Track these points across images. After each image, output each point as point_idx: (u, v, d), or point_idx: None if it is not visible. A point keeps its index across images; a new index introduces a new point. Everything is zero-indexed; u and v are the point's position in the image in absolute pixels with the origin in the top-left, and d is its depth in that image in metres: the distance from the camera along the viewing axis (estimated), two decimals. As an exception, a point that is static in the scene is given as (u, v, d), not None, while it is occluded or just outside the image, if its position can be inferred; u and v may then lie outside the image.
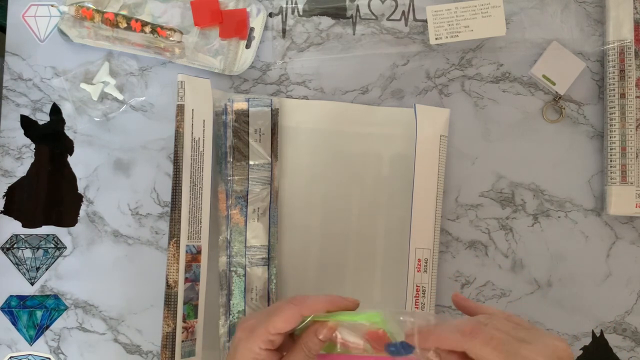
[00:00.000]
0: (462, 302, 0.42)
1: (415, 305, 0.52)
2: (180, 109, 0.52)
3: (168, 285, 0.51)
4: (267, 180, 0.54)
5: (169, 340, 0.51)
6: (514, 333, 0.35)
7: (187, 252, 0.51)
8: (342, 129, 0.56)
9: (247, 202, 0.53)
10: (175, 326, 0.51)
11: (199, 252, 0.52)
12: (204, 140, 0.53)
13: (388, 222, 0.55)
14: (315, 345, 0.38)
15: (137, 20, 0.55)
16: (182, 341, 0.50)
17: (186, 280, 0.51)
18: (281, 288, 0.55)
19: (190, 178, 0.52)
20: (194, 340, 0.52)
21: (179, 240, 0.51)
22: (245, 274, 0.54)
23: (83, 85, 0.56)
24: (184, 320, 0.51)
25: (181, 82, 0.52)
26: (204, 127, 0.53)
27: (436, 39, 0.54)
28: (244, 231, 0.53)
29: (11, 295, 0.56)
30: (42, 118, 0.57)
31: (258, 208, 0.54)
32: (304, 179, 0.56)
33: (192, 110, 0.52)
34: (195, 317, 0.52)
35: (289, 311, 0.38)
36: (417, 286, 0.53)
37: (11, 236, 0.56)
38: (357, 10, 0.57)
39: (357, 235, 0.55)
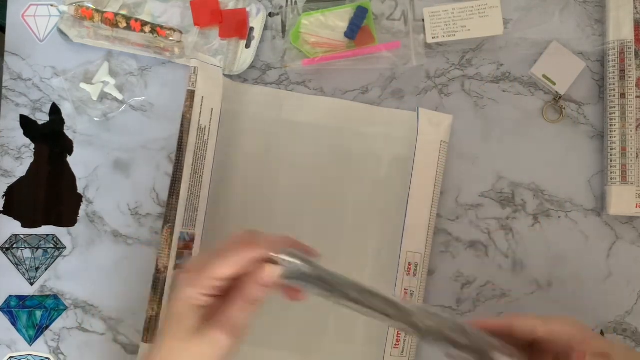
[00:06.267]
0: (486, 323, 0.38)
1: None
2: (191, 95, 0.52)
3: (157, 270, 0.51)
4: None
5: (151, 324, 0.51)
6: None
7: (180, 239, 0.51)
8: (342, 127, 0.56)
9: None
10: (160, 311, 0.51)
11: (192, 239, 0.52)
12: (209, 129, 0.53)
13: (382, 222, 0.55)
14: (258, 292, 0.35)
15: (136, 20, 0.55)
16: None
17: (176, 266, 0.51)
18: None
19: (192, 165, 0.52)
20: None
21: (174, 226, 0.51)
22: None
23: (83, 85, 0.56)
24: None
25: (194, 67, 0.52)
26: (211, 115, 0.53)
27: (433, 37, 0.55)
28: None
29: (11, 295, 0.56)
30: (42, 118, 0.57)
31: None
32: (302, 173, 0.56)
33: (202, 97, 0.52)
34: None
35: (234, 257, 0.35)
36: (404, 289, 0.53)
37: (11, 236, 0.56)
38: (357, 10, 0.57)
39: (350, 232, 0.55)
